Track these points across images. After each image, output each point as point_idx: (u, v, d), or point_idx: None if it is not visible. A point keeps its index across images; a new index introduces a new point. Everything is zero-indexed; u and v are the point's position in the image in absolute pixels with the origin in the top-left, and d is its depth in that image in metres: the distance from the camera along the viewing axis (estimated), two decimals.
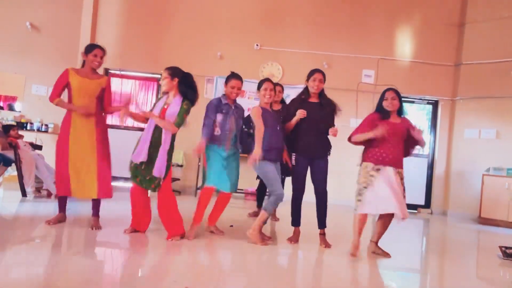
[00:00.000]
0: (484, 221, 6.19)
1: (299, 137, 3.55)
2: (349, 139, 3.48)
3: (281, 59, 7.09)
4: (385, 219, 3.42)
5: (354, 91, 6.84)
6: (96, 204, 3.57)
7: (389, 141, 3.30)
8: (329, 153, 3.64)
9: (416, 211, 7.08)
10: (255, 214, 4.75)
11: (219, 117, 3.49)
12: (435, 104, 7.29)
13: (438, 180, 7.08)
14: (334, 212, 5.63)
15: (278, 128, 3.48)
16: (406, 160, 3.45)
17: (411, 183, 7.05)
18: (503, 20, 6.66)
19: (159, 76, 7.00)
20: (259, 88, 3.59)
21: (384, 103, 3.40)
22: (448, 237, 5.17)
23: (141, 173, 3.30)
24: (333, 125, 3.56)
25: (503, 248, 3.74)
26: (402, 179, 3.35)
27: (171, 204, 3.34)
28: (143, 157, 3.23)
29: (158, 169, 3.23)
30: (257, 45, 7.09)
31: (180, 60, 6.93)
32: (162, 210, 3.32)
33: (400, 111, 3.45)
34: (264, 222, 3.54)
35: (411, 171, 7.07)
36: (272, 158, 3.41)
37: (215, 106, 3.51)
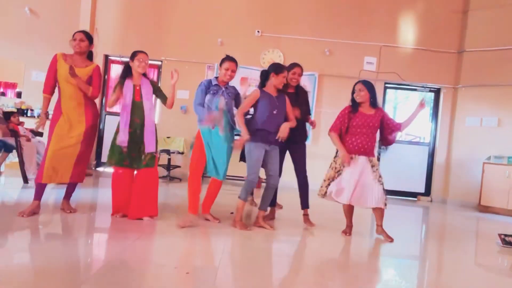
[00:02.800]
0: (484, 209, 6.21)
1: None
2: (328, 133, 3.64)
3: (282, 46, 7.03)
4: (375, 208, 3.52)
5: (355, 79, 6.76)
6: (70, 187, 3.54)
7: (361, 132, 3.50)
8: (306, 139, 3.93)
9: (416, 199, 7.11)
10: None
11: (207, 98, 3.48)
12: (437, 92, 7.25)
13: (438, 168, 7.08)
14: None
15: (274, 112, 3.46)
16: (406, 148, 3.49)
17: (411, 170, 7.14)
18: (506, 7, 6.57)
19: (159, 62, 6.96)
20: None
21: (354, 96, 3.57)
22: (447, 225, 5.20)
23: (130, 155, 3.40)
24: (309, 112, 3.93)
25: (502, 236, 3.76)
26: (374, 166, 3.50)
27: (155, 183, 3.47)
28: (123, 140, 3.35)
29: (148, 145, 3.38)
30: (258, 31, 7.02)
31: (180, 46, 6.92)
32: (145, 187, 3.40)
33: (372, 103, 3.57)
34: (265, 210, 3.59)
35: (412, 159, 7.09)
36: (260, 140, 3.43)
37: (205, 87, 3.50)
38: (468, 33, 6.89)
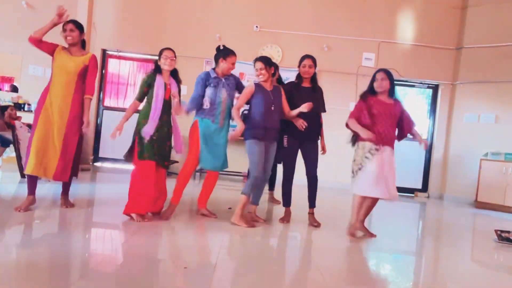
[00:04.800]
0: (481, 205, 6.24)
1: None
2: (347, 125, 3.47)
3: (281, 41, 7.01)
4: (370, 201, 3.46)
5: (354, 75, 6.80)
6: (65, 183, 3.49)
7: (384, 120, 3.34)
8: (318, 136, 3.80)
9: (413, 195, 7.13)
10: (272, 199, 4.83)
11: (209, 91, 3.44)
12: (435, 88, 7.25)
13: (435, 164, 7.10)
14: (332, 194, 5.68)
15: (272, 107, 3.42)
16: (404, 144, 3.48)
17: (408, 166, 7.14)
18: (505, 4, 6.57)
19: (157, 57, 6.91)
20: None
21: (375, 84, 3.42)
22: (444, 221, 5.22)
23: (159, 151, 3.34)
24: (324, 109, 3.82)
25: (499, 232, 3.78)
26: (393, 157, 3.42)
27: (165, 183, 3.49)
28: (152, 132, 3.28)
29: (179, 147, 3.50)
30: (256, 26, 7.00)
31: (178, 41, 6.88)
32: (161, 185, 3.42)
33: (391, 93, 3.44)
34: (255, 203, 3.62)
35: (409, 154, 7.09)
36: (259, 137, 3.39)
37: (203, 80, 3.46)
38: (466, 30, 6.89)
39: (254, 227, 3.44)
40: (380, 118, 3.33)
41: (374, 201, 3.47)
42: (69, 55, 3.36)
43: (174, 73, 3.49)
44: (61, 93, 3.30)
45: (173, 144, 3.51)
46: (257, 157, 3.37)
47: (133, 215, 3.25)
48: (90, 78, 3.41)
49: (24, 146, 4.94)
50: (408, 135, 3.57)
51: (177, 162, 6.67)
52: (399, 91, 7.56)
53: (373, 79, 3.44)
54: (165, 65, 3.37)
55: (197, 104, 3.46)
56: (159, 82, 3.34)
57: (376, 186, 3.25)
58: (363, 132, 3.27)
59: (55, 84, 3.32)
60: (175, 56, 3.42)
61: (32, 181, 3.31)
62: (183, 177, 3.52)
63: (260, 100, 3.40)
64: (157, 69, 3.41)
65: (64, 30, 3.39)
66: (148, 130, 3.26)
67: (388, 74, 3.42)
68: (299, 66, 3.73)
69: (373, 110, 3.34)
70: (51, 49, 3.38)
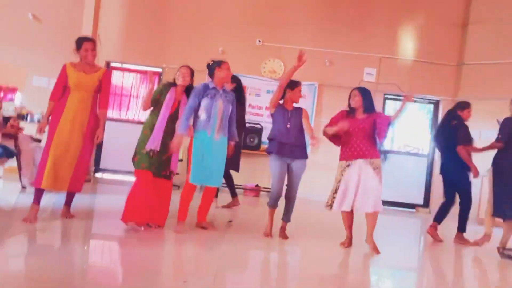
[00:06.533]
0: (483, 221, 6.18)
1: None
2: (324, 133, 3.64)
3: (283, 56, 7.06)
4: (367, 217, 3.48)
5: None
6: (70, 194, 3.50)
7: (355, 136, 3.52)
8: None
9: (414, 210, 7.09)
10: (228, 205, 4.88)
11: (205, 101, 3.42)
12: (436, 104, 7.28)
13: (437, 179, 7.04)
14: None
15: (288, 125, 3.56)
16: (405, 158, 3.49)
17: (410, 181, 7.13)
18: (506, 21, 6.63)
19: (160, 69, 6.99)
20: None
21: (351, 102, 3.66)
22: (445, 237, 5.18)
23: (156, 160, 3.37)
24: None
25: (501, 250, 3.75)
26: (376, 168, 3.46)
27: (169, 195, 3.53)
28: (155, 145, 3.34)
29: (174, 164, 3.54)
30: (259, 41, 7.07)
31: (181, 54, 6.94)
32: (160, 196, 3.42)
33: (366, 108, 3.61)
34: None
35: (410, 170, 7.09)
36: (275, 151, 3.54)
37: (200, 91, 3.44)
38: (467, 46, 6.94)
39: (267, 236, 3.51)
40: (352, 134, 3.53)
41: (369, 216, 3.45)
42: (84, 73, 3.40)
43: (188, 89, 3.55)
44: (78, 108, 3.36)
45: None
46: (273, 170, 3.55)
47: (130, 224, 3.26)
48: (105, 93, 3.51)
49: (26, 157, 4.96)
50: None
51: (177, 174, 6.68)
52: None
53: (349, 97, 3.69)
54: (178, 80, 3.50)
55: (188, 115, 3.39)
56: (170, 96, 3.45)
57: (343, 200, 3.42)
58: (337, 126, 3.47)
59: (72, 100, 3.36)
60: (192, 73, 3.57)
61: (41, 192, 3.33)
62: (186, 193, 3.51)
63: (278, 118, 3.61)
64: (173, 83, 3.53)
65: (85, 50, 3.39)
66: (154, 144, 3.35)
67: (361, 90, 3.68)
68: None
69: (349, 129, 3.52)
70: (63, 78, 3.39)
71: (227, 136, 3.54)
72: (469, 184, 4.59)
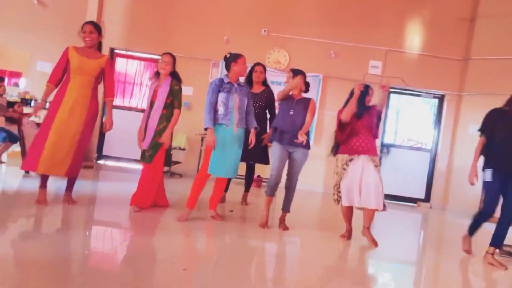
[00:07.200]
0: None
1: None
2: (340, 123, 3.57)
3: (288, 46, 7.02)
4: (366, 210, 3.49)
5: (360, 82, 6.77)
6: (71, 179, 3.53)
7: (360, 132, 3.54)
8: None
9: (415, 205, 7.10)
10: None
11: (222, 96, 3.47)
12: (441, 98, 7.23)
13: (439, 174, 7.07)
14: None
15: (290, 112, 3.59)
16: (407, 153, 3.48)
17: (411, 176, 7.12)
18: None
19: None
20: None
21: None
22: (445, 232, 5.19)
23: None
24: None
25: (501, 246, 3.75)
26: (377, 166, 3.49)
27: (149, 178, 3.57)
28: (146, 145, 3.58)
29: (145, 142, 3.59)
30: (264, 30, 7.02)
31: (186, 42, 6.92)
32: (142, 180, 3.58)
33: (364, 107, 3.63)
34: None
35: (413, 164, 7.07)
36: (276, 139, 3.60)
37: (216, 86, 3.49)
38: (474, 41, 6.86)
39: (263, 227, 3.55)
40: (359, 131, 3.53)
41: (369, 209, 3.46)
42: (86, 58, 3.40)
43: (173, 74, 3.69)
44: (79, 93, 3.36)
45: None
46: (276, 159, 3.58)
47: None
48: (109, 81, 3.52)
49: (30, 142, 4.98)
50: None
51: (180, 163, 6.70)
52: (404, 100, 7.57)
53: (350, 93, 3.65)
54: (160, 69, 3.62)
55: (210, 109, 3.44)
56: (151, 86, 3.69)
57: (351, 196, 3.42)
58: (354, 96, 3.52)
59: (73, 85, 3.36)
60: (173, 60, 3.67)
61: (45, 176, 3.39)
62: (197, 183, 3.54)
63: (283, 106, 3.68)
64: (158, 73, 3.69)
65: (83, 31, 3.42)
66: (144, 145, 3.62)
67: (366, 87, 3.68)
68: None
69: (352, 125, 3.53)
70: (64, 61, 3.40)
71: (246, 127, 3.60)
72: None
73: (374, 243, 3.48)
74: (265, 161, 4.36)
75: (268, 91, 4.35)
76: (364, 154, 3.50)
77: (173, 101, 3.63)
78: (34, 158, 3.22)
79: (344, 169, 3.50)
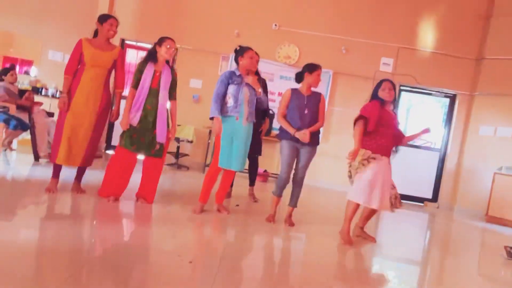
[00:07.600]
0: (491, 219, 6.13)
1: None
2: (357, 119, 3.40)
3: (299, 41, 6.97)
4: (370, 209, 3.45)
5: (370, 79, 6.72)
6: (81, 169, 3.59)
7: (386, 131, 3.33)
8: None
9: (422, 204, 7.05)
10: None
11: (231, 88, 3.46)
12: (452, 98, 7.14)
13: (448, 174, 7.00)
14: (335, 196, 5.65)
15: (305, 112, 3.51)
16: (415, 152, 3.44)
17: (419, 175, 7.06)
18: None
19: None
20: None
21: (381, 93, 3.40)
22: (452, 233, 5.15)
23: (139, 140, 3.41)
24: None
25: (508, 248, 3.72)
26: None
27: (159, 173, 3.55)
28: (134, 121, 3.39)
29: (160, 135, 3.43)
30: (275, 25, 6.97)
31: (196, 35, 6.91)
32: (149, 175, 3.52)
33: (395, 104, 3.53)
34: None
35: (421, 163, 7.01)
36: (289, 138, 3.50)
37: (226, 78, 3.48)
38: (489, 40, 6.75)
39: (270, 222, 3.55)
40: (386, 131, 3.33)
41: (373, 210, 3.45)
42: (100, 50, 3.42)
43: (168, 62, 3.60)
44: (93, 85, 3.40)
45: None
46: (285, 158, 3.52)
47: (109, 198, 3.42)
48: (120, 73, 3.55)
49: (40, 130, 5.03)
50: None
51: (187, 155, 6.72)
52: (415, 98, 7.49)
53: (379, 87, 3.42)
54: (167, 54, 3.45)
55: (217, 99, 3.43)
56: (148, 71, 3.42)
57: (370, 195, 3.20)
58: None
59: (86, 77, 3.38)
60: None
61: (58, 166, 3.45)
62: (209, 177, 3.55)
63: (294, 104, 3.53)
64: (150, 57, 3.47)
65: (110, 24, 3.44)
66: (130, 121, 3.38)
67: (393, 84, 3.45)
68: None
69: (382, 121, 3.32)
70: (78, 53, 3.39)
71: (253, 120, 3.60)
72: None
73: (373, 239, 3.49)
74: (259, 151, 4.41)
75: (262, 81, 4.26)
76: (386, 156, 3.35)
77: (171, 91, 3.56)
78: (55, 149, 3.35)
79: (363, 164, 3.27)
